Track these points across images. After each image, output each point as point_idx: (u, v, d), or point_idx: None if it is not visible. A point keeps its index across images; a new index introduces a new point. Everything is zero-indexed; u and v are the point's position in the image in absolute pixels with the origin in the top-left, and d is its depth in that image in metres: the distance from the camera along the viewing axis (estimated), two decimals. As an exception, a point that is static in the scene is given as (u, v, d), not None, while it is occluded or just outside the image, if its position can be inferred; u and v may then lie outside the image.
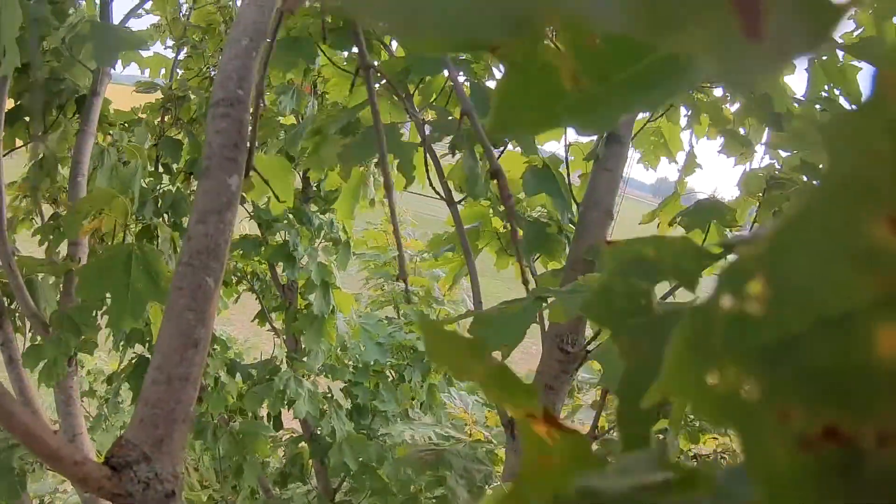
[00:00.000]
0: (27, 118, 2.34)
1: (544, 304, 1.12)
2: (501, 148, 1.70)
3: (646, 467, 0.33)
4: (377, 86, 1.61)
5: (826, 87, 1.81)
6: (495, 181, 1.01)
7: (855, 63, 1.79)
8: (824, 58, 1.79)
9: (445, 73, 1.69)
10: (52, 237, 2.37)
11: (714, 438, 2.30)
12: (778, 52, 0.21)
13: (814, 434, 0.20)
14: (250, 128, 0.95)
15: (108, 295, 1.66)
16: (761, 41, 0.21)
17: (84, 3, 2.44)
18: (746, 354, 0.21)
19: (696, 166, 2.25)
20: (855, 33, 1.94)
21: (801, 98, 1.85)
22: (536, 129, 0.36)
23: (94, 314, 2.04)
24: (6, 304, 2.23)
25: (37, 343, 2.08)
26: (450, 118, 1.52)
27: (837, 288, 0.19)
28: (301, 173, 3.22)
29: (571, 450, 0.35)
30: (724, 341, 0.21)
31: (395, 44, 1.97)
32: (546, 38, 0.34)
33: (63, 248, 2.34)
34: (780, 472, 0.20)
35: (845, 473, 0.20)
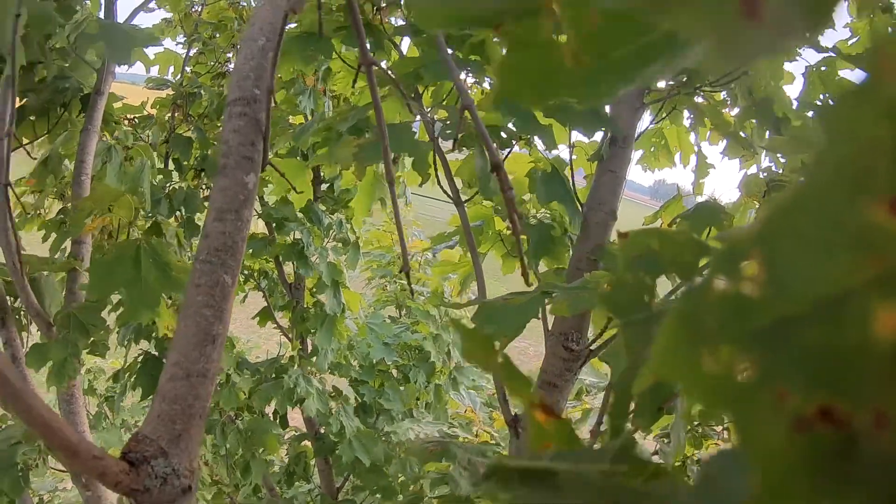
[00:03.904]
0: (32, 117, 2.35)
1: (548, 301, 1.13)
2: (508, 150, 1.71)
3: (598, 457, 0.34)
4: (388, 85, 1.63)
5: (821, 97, 1.82)
6: (495, 175, 1.02)
7: (853, 77, 1.80)
8: (823, 69, 1.80)
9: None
10: (56, 234, 2.38)
11: (716, 444, 2.30)
12: (776, 33, 0.22)
13: (809, 415, 0.20)
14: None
15: (116, 292, 1.67)
16: (760, 22, 0.22)
17: (89, 1, 2.45)
18: (741, 335, 0.21)
19: (710, 167, 2.25)
20: (850, 42, 1.95)
21: (796, 103, 1.86)
22: (537, 100, 0.36)
23: (101, 314, 2.04)
24: (10, 302, 2.24)
25: (41, 342, 2.08)
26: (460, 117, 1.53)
27: (834, 269, 0.20)
28: (311, 172, 3.24)
29: (562, 435, 0.39)
30: (718, 322, 0.21)
31: (405, 45, 1.99)
32: (548, 17, 0.35)
33: (68, 246, 2.34)
34: (775, 453, 0.20)
35: (841, 455, 0.20)
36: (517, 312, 1.04)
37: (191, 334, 0.79)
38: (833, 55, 1.72)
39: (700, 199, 1.81)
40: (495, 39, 1.62)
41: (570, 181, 1.83)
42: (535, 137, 1.66)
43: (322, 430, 3.37)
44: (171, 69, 3.34)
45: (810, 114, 1.79)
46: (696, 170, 2.26)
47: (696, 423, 2.22)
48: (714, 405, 0.22)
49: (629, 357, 0.54)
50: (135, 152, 2.44)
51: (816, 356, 0.20)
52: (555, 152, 1.78)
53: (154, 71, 3.27)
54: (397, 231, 1.09)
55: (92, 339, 2.05)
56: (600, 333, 1.56)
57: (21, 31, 1.62)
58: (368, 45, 1.83)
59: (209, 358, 0.79)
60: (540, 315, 1.52)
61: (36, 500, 3.94)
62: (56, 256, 2.32)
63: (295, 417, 3.56)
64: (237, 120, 0.92)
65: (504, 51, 0.37)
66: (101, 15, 2.41)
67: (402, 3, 1.95)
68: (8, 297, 2.22)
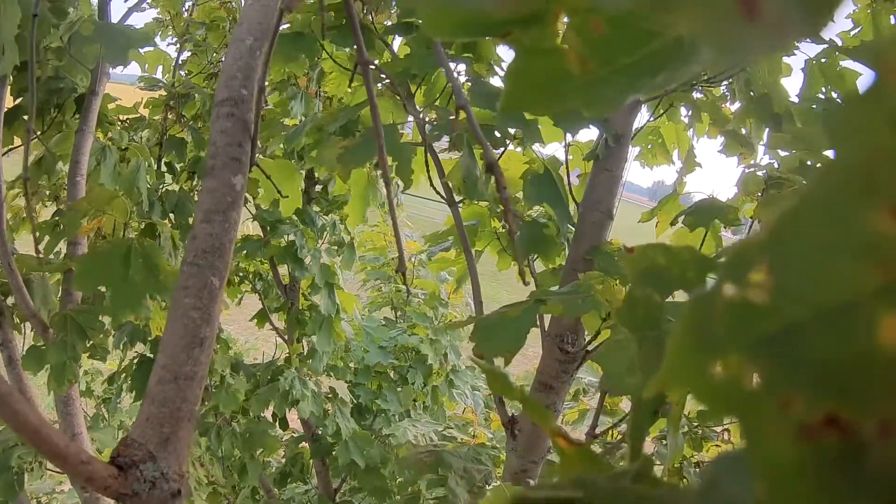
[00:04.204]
0: (26, 117, 2.34)
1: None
2: (502, 149, 1.70)
3: (618, 481, 0.35)
4: (379, 86, 1.62)
5: (823, 90, 1.81)
6: (490, 175, 1.02)
7: (854, 67, 1.79)
8: (823, 60, 1.80)
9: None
10: (50, 235, 2.37)
11: (717, 446, 2.30)
12: (775, 32, 0.22)
13: (815, 423, 0.20)
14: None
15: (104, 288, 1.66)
16: (759, 21, 0.22)
17: (81, 2, 2.44)
18: (749, 343, 0.21)
19: (696, 165, 2.25)
20: (852, 33, 1.94)
21: (797, 98, 1.86)
22: (545, 109, 0.36)
23: (98, 316, 2.03)
24: (5, 304, 2.23)
25: (38, 345, 2.07)
26: (451, 117, 1.52)
27: (840, 277, 0.19)
28: (304, 174, 3.24)
29: (584, 459, 0.41)
30: (726, 330, 0.21)
31: (396, 44, 1.98)
32: (555, 25, 0.34)
33: (62, 248, 2.34)
34: (780, 461, 0.20)
35: (846, 464, 0.20)
36: (514, 326, 1.04)
37: (178, 337, 0.78)
38: (828, 45, 1.71)
39: (698, 196, 1.80)
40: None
41: (566, 181, 1.82)
42: (525, 136, 1.65)
43: (319, 432, 3.37)
44: (160, 68, 3.34)
45: (814, 106, 1.79)
46: (683, 166, 2.25)
47: (695, 424, 2.22)
48: (722, 412, 0.22)
49: (644, 375, 0.54)
50: (131, 153, 2.43)
51: (823, 364, 0.20)
52: (550, 151, 1.78)
53: (146, 69, 3.27)
54: (394, 231, 1.08)
55: (91, 342, 2.03)
56: (595, 335, 1.56)
57: (15, 30, 1.62)
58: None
59: (197, 360, 0.78)
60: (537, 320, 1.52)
61: (34, 502, 3.93)
62: (51, 257, 2.31)
63: (292, 419, 3.56)
64: (225, 121, 0.91)
65: (511, 59, 0.36)
66: (95, 16, 2.41)
67: (393, 2, 1.94)
68: (3, 299, 2.21)
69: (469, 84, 1.68)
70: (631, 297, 0.52)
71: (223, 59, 3.31)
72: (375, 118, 1.01)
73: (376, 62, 1.78)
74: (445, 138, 1.53)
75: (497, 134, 1.62)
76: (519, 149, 1.93)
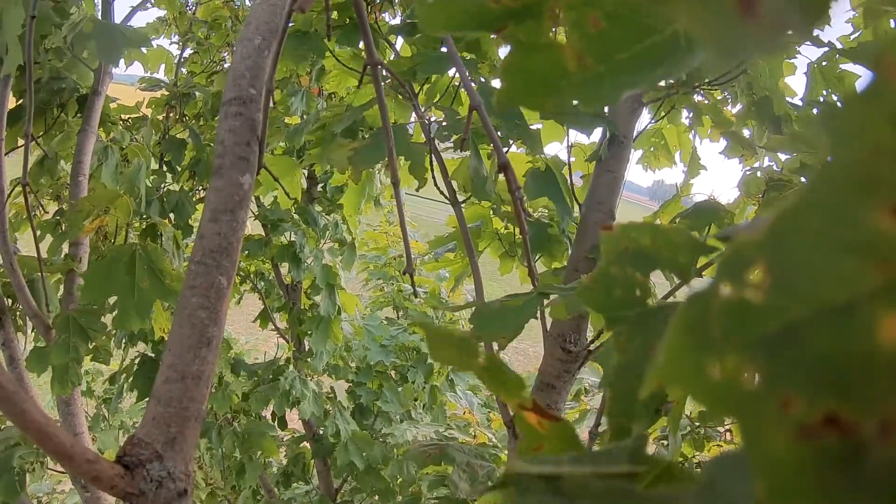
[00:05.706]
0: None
1: (546, 302, 1.13)
2: (506, 149, 1.70)
3: (615, 458, 0.34)
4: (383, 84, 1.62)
5: (824, 93, 1.82)
6: (502, 175, 1.02)
7: (853, 70, 1.79)
8: (824, 64, 1.80)
9: (450, 72, 1.70)
10: (52, 235, 2.36)
11: (718, 446, 2.30)
12: (772, 30, 0.22)
13: (814, 422, 0.20)
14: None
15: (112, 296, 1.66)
16: (756, 18, 0.22)
17: (84, 1, 2.44)
18: (747, 342, 0.21)
19: (701, 168, 2.25)
20: (852, 37, 1.95)
21: (800, 101, 1.86)
22: (541, 104, 0.36)
23: (101, 318, 2.02)
24: (7, 303, 2.23)
25: (41, 346, 2.07)
26: (457, 118, 1.52)
27: (839, 276, 0.19)
28: (306, 173, 3.23)
29: (560, 437, 0.39)
30: (723, 329, 0.21)
31: (399, 43, 1.99)
32: (550, 20, 0.34)
33: (65, 248, 2.34)
34: (780, 460, 0.20)
35: (846, 463, 0.20)
36: (514, 314, 1.03)
37: (185, 336, 0.78)
38: (828, 49, 1.71)
39: (699, 198, 1.80)
40: (493, 35, 1.62)
41: (569, 181, 1.82)
42: (527, 144, 1.66)
43: (321, 432, 3.37)
44: (163, 67, 3.34)
45: (815, 111, 1.79)
46: (687, 170, 2.26)
47: (697, 424, 2.22)
48: (721, 412, 0.22)
49: (620, 354, 0.53)
50: (131, 153, 2.43)
51: (822, 363, 0.20)
52: (553, 152, 1.78)
53: (148, 68, 3.27)
54: (402, 232, 1.08)
55: (94, 344, 2.03)
56: (598, 334, 1.56)
57: (18, 30, 1.62)
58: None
59: (204, 360, 0.78)
60: (539, 316, 1.52)
61: (35, 502, 3.93)
62: (53, 258, 2.31)
63: (294, 418, 3.56)
64: (233, 120, 0.91)
65: (507, 54, 0.36)
66: (98, 15, 2.41)
67: (395, 1, 1.95)
68: (6, 299, 2.21)
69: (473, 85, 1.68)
70: (604, 276, 0.51)
71: (225, 56, 3.32)
72: (385, 120, 1.01)
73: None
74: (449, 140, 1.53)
75: (500, 134, 1.62)
76: (521, 149, 1.93)
